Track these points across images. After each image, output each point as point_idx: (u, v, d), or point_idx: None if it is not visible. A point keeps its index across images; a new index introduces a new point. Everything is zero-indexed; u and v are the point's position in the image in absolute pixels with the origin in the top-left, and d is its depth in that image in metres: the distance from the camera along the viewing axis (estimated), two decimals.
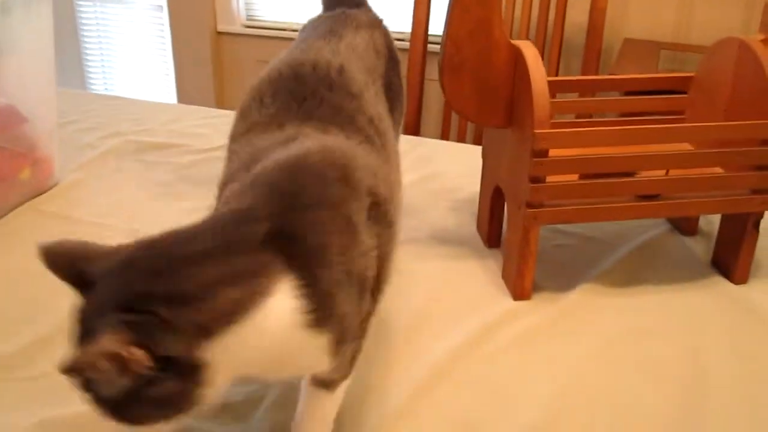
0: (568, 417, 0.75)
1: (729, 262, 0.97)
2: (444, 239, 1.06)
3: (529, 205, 0.87)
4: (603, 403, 0.77)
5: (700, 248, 1.04)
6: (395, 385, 0.78)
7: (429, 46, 2.10)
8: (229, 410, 0.73)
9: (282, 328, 0.52)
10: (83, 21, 3.12)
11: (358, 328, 0.61)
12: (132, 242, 0.53)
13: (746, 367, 0.82)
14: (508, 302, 0.92)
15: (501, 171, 0.96)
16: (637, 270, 0.99)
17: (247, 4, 2.87)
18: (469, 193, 1.16)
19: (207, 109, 1.61)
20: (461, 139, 2.03)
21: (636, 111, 1.06)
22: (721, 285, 0.96)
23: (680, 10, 2.30)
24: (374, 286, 0.62)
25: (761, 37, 0.93)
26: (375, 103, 0.76)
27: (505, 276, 0.96)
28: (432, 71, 2.19)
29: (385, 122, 0.75)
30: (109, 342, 0.45)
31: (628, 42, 2.27)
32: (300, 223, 0.54)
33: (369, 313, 0.63)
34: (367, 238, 0.59)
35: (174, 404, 0.49)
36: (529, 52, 0.86)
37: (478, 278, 0.97)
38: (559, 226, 1.07)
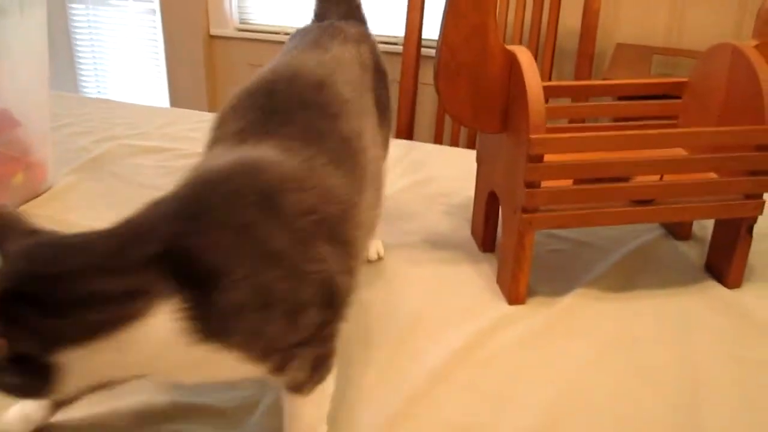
0: (566, 421, 0.75)
1: (723, 266, 0.97)
2: (438, 244, 1.06)
3: (525, 210, 0.87)
4: (600, 408, 0.77)
5: (694, 253, 1.04)
6: (391, 390, 0.78)
7: (422, 50, 2.11)
8: (223, 416, 0.73)
9: (160, 346, 0.53)
10: (76, 24, 3.11)
11: (315, 336, 0.61)
12: (47, 231, 0.55)
13: (741, 371, 0.82)
14: (503, 307, 0.92)
15: (496, 176, 0.97)
16: (631, 274, 0.99)
17: (240, 7, 2.87)
18: (464, 198, 1.16)
19: (201, 113, 1.61)
20: (454, 142, 2.04)
21: (630, 116, 1.06)
22: (714, 289, 0.96)
23: (672, 14, 2.31)
24: (333, 299, 0.62)
25: (754, 42, 0.93)
26: (359, 119, 0.75)
27: (500, 281, 0.96)
28: (425, 75, 2.20)
29: (366, 139, 0.74)
30: None
31: (621, 47, 2.28)
32: (200, 245, 0.54)
33: (328, 322, 0.63)
34: (300, 260, 0.58)
35: (23, 392, 0.53)
36: (524, 57, 0.87)
37: (472, 283, 0.97)
38: (554, 231, 1.07)
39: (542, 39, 2.03)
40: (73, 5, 3.07)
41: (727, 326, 0.90)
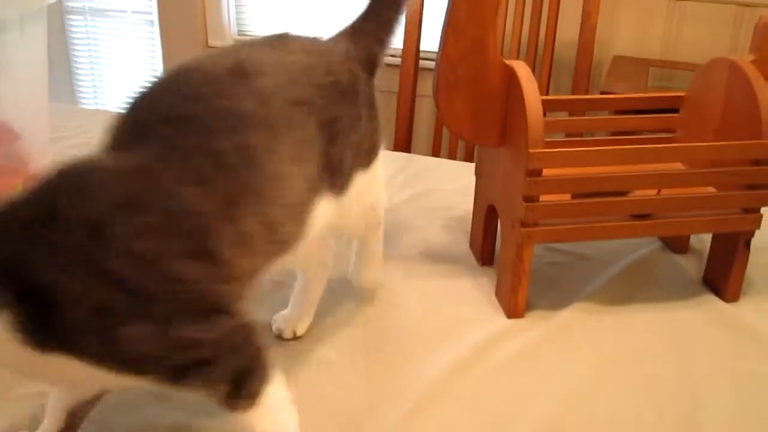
0: None
1: (720, 280, 0.97)
2: (437, 257, 1.06)
3: (524, 224, 0.87)
4: (599, 421, 0.77)
5: (692, 266, 1.05)
6: (390, 403, 0.78)
7: (420, 62, 2.11)
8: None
9: (6, 352, 0.56)
10: (74, 35, 3.12)
11: (219, 349, 0.62)
12: None
13: (740, 385, 0.82)
14: (502, 320, 0.92)
15: (495, 190, 0.97)
16: (629, 288, 0.99)
17: (238, 18, 2.88)
18: (462, 211, 1.17)
19: None
20: (452, 155, 2.04)
21: (628, 130, 1.07)
22: (712, 303, 0.97)
23: (668, 27, 2.32)
24: (212, 312, 0.62)
25: (751, 57, 0.94)
26: (265, 136, 0.68)
27: (499, 294, 0.96)
28: (423, 87, 2.21)
29: (258, 158, 0.67)
30: None
31: (618, 59, 2.29)
32: (36, 260, 0.55)
33: (226, 334, 0.62)
34: (143, 279, 0.58)
35: None
36: (523, 72, 0.87)
37: (471, 296, 0.97)
38: (552, 244, 1.08)
39: (540, 52, 2.04)
40: (71, 16, 3.08)
41: (725, 340, 0.90)
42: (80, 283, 0.55)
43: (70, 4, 3.06)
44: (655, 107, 1.05)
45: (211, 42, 2.88)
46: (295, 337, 0.87)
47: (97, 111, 1.80)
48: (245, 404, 0.64)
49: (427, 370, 0.83)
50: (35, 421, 0.72)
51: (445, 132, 2.20)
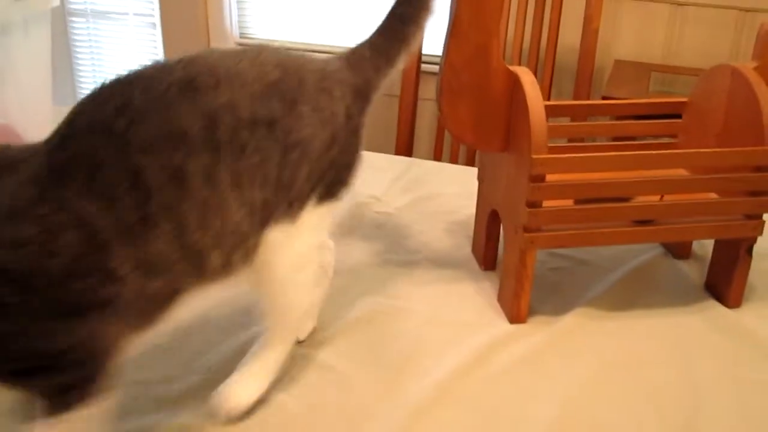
0: None
1: (723, 286, 0.98)
2: (440, 262, 1.07)
3: (527, 230, 0.88)
4: (601, 427, 0.77)
5: (694, 272, 1.05)
6: (393, 408, 0.78)
7: (422, 65, 2.12)
8: None
9: None
10: (76, 37, 3.12)
11: (47, 365, 0.61)
12: None
13: (742, 391, 0.83)
14: (504, 325, 0.93)
15: (497, 195, 0.97)
16: (631, 293, 1.00)
17: (240, 21, 2.88)
18: (464, 216, 1.17)
19: None
20: (454, 158, 2.05)
21: (630, 135, 1.07)
22: (714, 309, 0.97)
23: (669, 32, 2.32)
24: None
25: (754, 64, 0.94)
26: (204, 161, 0.64)
27: (501, 299, 0.96)
28: (425, 91, 2.21)
29: (187, 181, 0.63)
30: None
31: (619, 63, 2.29)
32: None
33: (54, 354, 0.61)
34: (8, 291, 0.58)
35: None
36: (527, 78, 0.87)
37: (474, 301, 0.97)
38: (554, 249, 1.08)
39: (542, 56, 2.05)
40: (73, 18, 3.08)
41: (727, 346, 0.90)
42: None
43: (72, 6, 3.06)
44: (658, 113, 1.05)
45: (213, 45, 2.88)
46: (298, 342, 0.87)
47: None
48: (51, 414, 0.62)
49: (430, 375, 0.83)
50: None
51: (447, 135, 2.20)
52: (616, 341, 0.90)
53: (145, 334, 0.67)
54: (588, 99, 2.03)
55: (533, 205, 0.86)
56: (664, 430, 0.77)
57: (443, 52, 0.88)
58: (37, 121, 1.16)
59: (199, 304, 0.69)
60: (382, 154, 1.42)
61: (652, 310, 0.96)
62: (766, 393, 0.83)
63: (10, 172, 0.61)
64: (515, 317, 0.93)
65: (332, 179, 0.75)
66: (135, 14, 3.01)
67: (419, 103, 2.15)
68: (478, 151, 1.04)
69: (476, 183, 1.05)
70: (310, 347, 0.87)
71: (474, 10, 0.85)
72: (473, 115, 0.91)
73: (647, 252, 1.09)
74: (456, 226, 1.15)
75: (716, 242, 0.99)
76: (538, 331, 0.91)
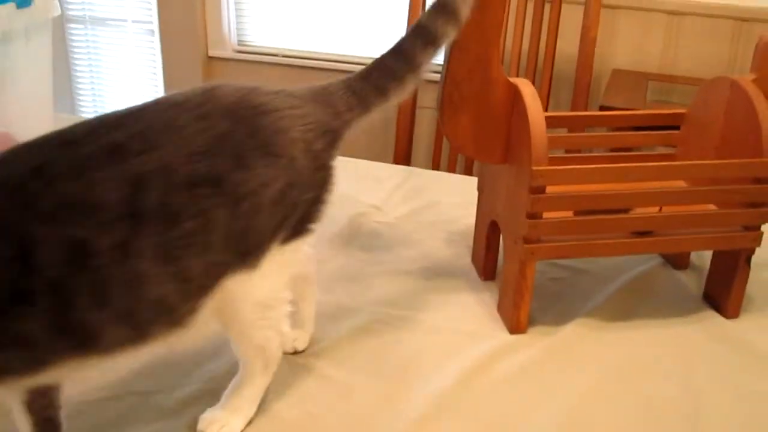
0: None
1: (721, 296, 0.98)
2: (439, 271, 1.07)
3: (527, 241, 0.88)
4: None
5: (692, 282, 1.05)
6: (393, 418, 0.78)
7: None
8: None
9: None
10: (74, 44, 3.12)
11: None
12: None
13: (741, 401, 0.83)
14: (504, 336, 0.93)
15: (497, 206, 0.98)
16: (630, 304, 1.00)
17: (238, 29, 2.89)
18: (464, 225, 1.17)
19: None
20: (452, 167, 2.05)
21: (629, 146, 1.07)
22: (713, 319, 0.97)
23: (667, 41, 2.33)
24: None
25: (752, 77, 0.95)
26: (120, 234, 0.60)
27: (501, 309, 0.96)
28: (423, 99, 2.21)
29: (91, 257, 0.60)
30: None
31: (617, 72, 2.30)
32: None
33: None
34: None
35: None
36: (527, 90, 0.88)
37: (473, 311, 0.98)
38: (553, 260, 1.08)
39: (540, 66, 2.05)
40: (72, 25, 3.08)
41: (726, 356, 0.90)
42: None
43: (71, 13, 3.07)
44: (657, 124, 1.06)
45: (212, 52, 2.89)
46: (296, 352, 0.87)
47: None
48: None
49: (430, 385, 0.83)
50: None
51: (445, 143, 2.21)
52: (615, 351, 0.91)
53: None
54: (586, 107, 2.04)
55: (533, 216, 0.87)
56: None
57: (444, 65, 0.89)
58: (38, 129, 1.16)
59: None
60: (382, 164, 1.42)
61: (651, 320, 0.97)
62: (764, 403, 0.83)
63: None
64: (515, 327, 0.93)
65: (298, 219, 0.72)
66: (133, 21, 3.02)
67: (417, 111, 2.16)
68: (477, 162, 1.04)
69: (476, 192, 1.06)
70: (310, 357, 0.87)
71: (475, 22, 0.86)
72: (474, 127, 0.91)
73: (646, 262, 1.09)
74: (456, 236, 1.16)
75: (715, 253, 0.99)
76: (538, 342, 0.92)
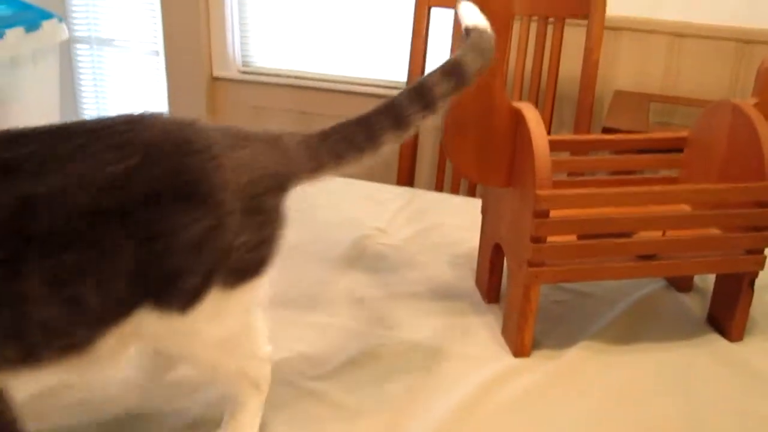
0: None
1: (725, 320, 0.98)
2: (443, 294, 1.07)
3: (531, 264, 0.88)
4: None
5: (696, 305, 1.05)
6: None
7: None
8: None
9: None
10: (79, 65, 3.15)
11: None
12: None
13: (746, 425, 0.83)
14: (509, 359, 0.93)
15: (501, 229, 0.98)
16: (634, 327, 1.00)
17: (243, 50, 2.91)
18: (468, 248, 1.17)
19: None
20: (455, 188, 2.06)
21: (632, 169, 1.08)
22: (717, 342, 0.97)
23: (669, 62, 2.34)
24: None
25: (754, 101, 0.96)
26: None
27: (505, 333, 0.97)
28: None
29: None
30: None
31: (619, 94, 2.31)
32: None
33: None
34: None
35: None
36: (531, 114, 0.89)
37: (477, 334, 0.98)
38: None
39: (542, 87, 2.06)
40: (77, 45, 3.11)
41: (730, 380, 0.90)
42: None
43: (76, 33, 3.09)
44: (660, 148, 1.07)
45: (216, 73, 2.91)
46: None
47: None
48: None
49: (434, 409, 0.83)
50: None
51: (448, 165, 2.22)
52: (619, 375, 0.91)
53: None
54: (588, 128, 2.05)
55: (537, 240, 0.87)
56: None
57: None
58: None
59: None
60: (386, 185, 1.43)
61: (655, 343, 0.97)
62: None
63: None
64: (519, 351, 0.93)
65: (238, 263, 0.68)
66: (138, 42, 3.04)
67: (421, 131, 2.16)
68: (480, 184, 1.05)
69: (479, 214, 1.06)
70: (316, 381, 0.87)
71: None
72: (477, 151, 0.92)
73: (649, 285, 1.09)
74: (460, 258, 1.16)
75: (718, 276, 1.00)
76: (542, 365, 0.92)
